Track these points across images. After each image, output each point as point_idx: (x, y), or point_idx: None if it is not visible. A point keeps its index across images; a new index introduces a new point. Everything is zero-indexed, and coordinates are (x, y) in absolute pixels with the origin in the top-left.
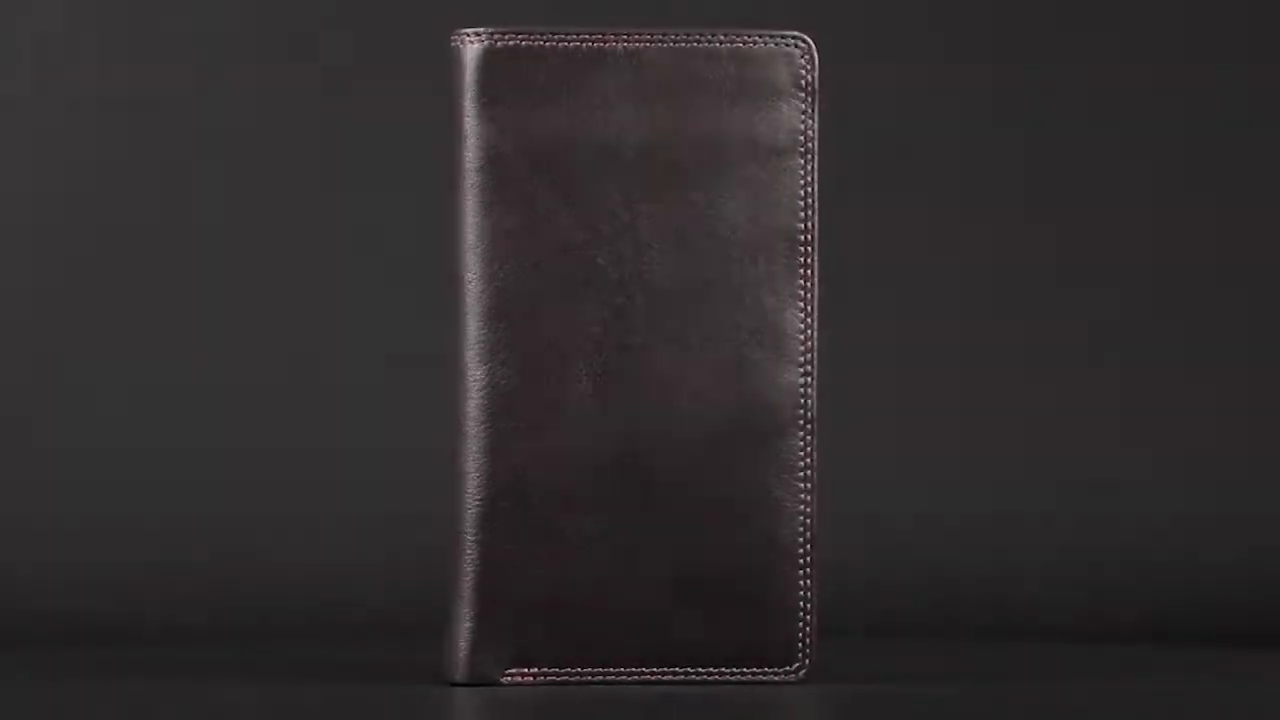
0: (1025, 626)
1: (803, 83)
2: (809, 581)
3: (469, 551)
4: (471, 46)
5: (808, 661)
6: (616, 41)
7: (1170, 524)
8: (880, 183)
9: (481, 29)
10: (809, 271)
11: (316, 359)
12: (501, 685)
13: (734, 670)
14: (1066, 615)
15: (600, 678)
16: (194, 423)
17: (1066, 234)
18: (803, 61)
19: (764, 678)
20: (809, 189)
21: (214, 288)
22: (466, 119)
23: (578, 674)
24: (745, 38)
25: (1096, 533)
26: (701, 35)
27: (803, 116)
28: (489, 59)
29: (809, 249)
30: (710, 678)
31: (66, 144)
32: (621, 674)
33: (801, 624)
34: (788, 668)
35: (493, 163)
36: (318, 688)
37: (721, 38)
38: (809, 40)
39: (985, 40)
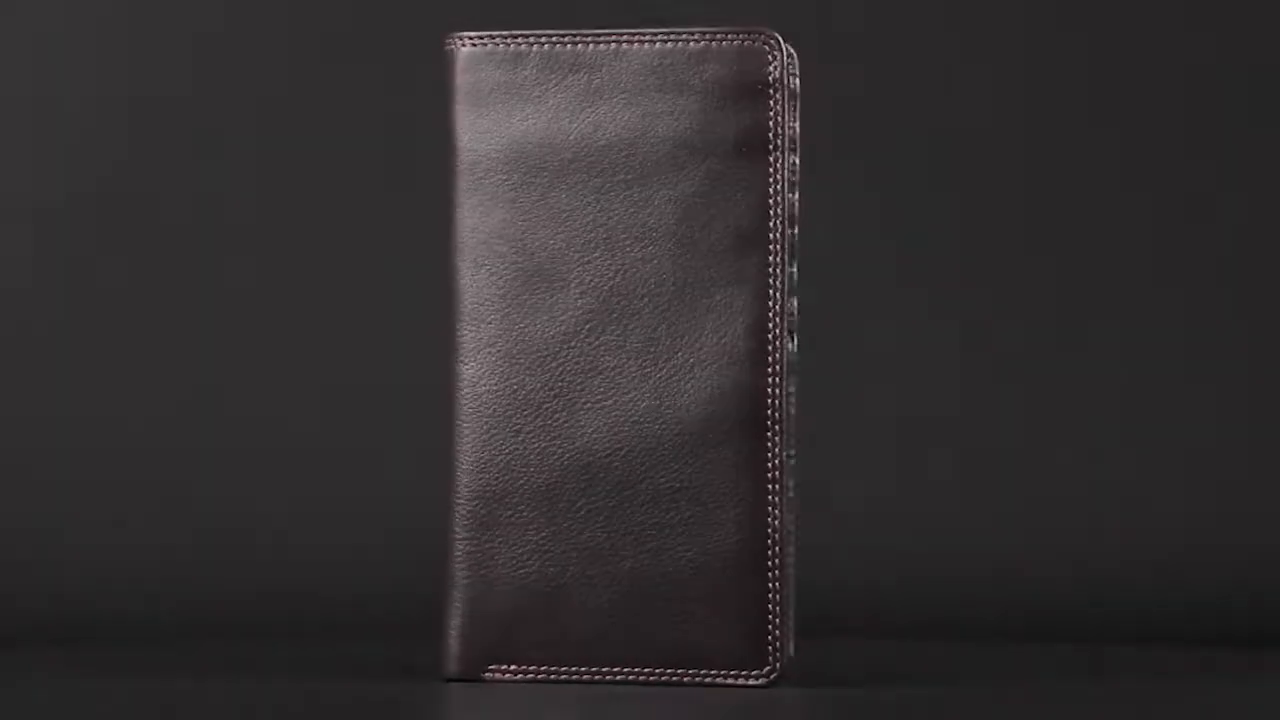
0: (1021, 627)
1: (771, 79)
2: (778, 584)
3: (455, 549)
4: (462, 50)
5: (778, 665)
6: (592, 43)
7: (1170, 524)
8: (874, 183)
9: (472, 33)
10: (778, 270)
11: (315, 358)
12: (485, 681)
13: (705, 672)
14: (1064, 616)
15: (579, 676)
16: (192, 422)
17: (1062, 232)
18: (771, 58)
19: (734, 680)
20: (779, 187)
21: (213, 287)
22: (454, 121)
23: (558, 672)
24: (714, 36)
25: (1095, 532)
26: (672, 35)
27: (772, 114)
28: (474, 62)
29: (778, 248)
30: (684, 679)
31: (64, 144)
32: (599, 673)
33: (771, 627)
34: (757, 671)
35: (476, 164)
36: (304, 684)
37: (691, 37)
38: (777, 37)
39: (983, 40)
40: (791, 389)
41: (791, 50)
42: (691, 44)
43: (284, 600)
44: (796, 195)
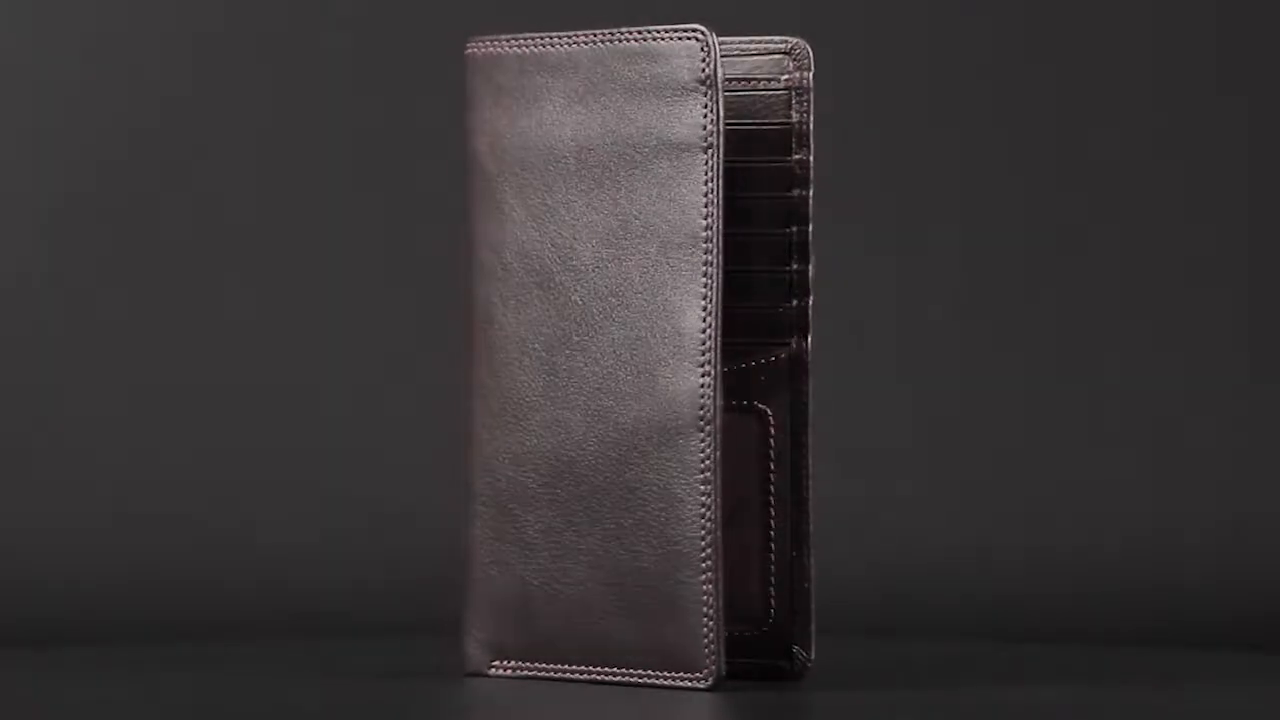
0: (1020, 628)
1: (703, 76)
2: (711, 587)
3: (463, 547)
4: (477, 54)
5: (714, 669)
6: (556, 45)
7: (1170, 525)
8: (879, 180)
9: (483, 38)
10: (711, 269)
11: (324, 358)
12: (489, 677)
13: (653, 674)
14: (1063, 617)
15: (561, 674)
16: (197, 423)
17: (1064, 233)
18: (701, 54)
19: (676, 683)
20: (711, 185)
21: (223, 287)
22: (466, 125)
23: (543, 668)
24: (653, 35)
25: (1095, 532)
26: (617, 35)
27: (705, 111)
28: (477, 66)
29: (711, 245)
30: (641, 680)
31: (69, 143)
32: (576, 671)
33: (706, 630)
34: (698, 674)
35: (476, 167)
36: (307, 682)
37: (634, 36)
38: (706, 32)
39: (984, 43)
40: (809, 388)
41: (807, 46)
42: (634, 43)
43: (285, 600)
44: (810, 192)
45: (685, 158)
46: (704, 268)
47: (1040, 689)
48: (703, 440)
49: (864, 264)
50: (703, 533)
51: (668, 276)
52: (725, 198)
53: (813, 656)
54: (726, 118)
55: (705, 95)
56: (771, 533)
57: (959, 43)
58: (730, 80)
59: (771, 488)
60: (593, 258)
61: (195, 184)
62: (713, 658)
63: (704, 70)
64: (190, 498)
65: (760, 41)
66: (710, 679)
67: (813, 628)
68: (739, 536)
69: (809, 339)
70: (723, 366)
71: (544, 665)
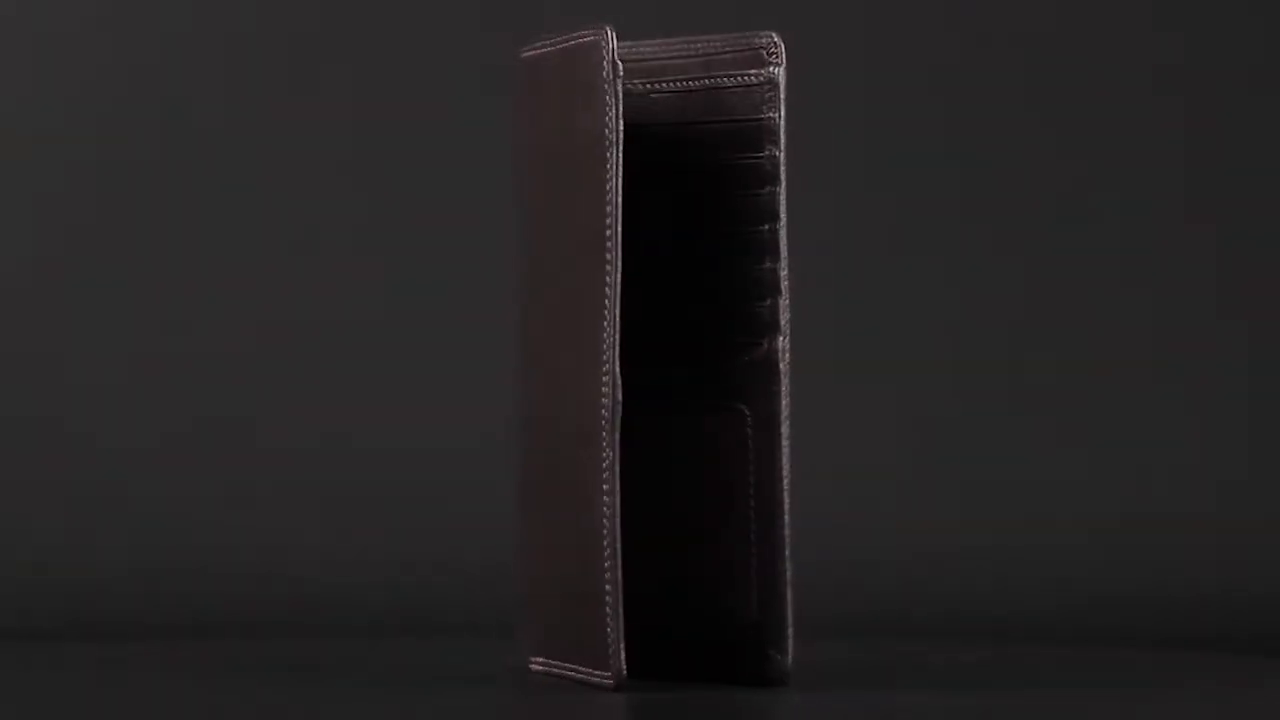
0: (1020, 628)
1: (603, 75)
2: (611, 586)
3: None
4: (522, 57)
5: (617, 667)
6: (548, 47)
7: (1169, 526)
8: (869, 180)
9: (531, 45)
10: (610, 268)
11: (357, 360)
12: (530, 672)
13: (585, 670)
14: (1056, 619)
15: (556, 670)
16: (224, 424)
17: (1062, 232)
18: (604, 52)
19: (594, 680)
20: (611, 182)
21: (263, 294)
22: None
23: (546, 664)
24: (577, 36)
25: (1095, 532)
26: (571, 37)
27: (606, 109)
28: (519, 73)
29: (611, 244)
30: (589, 678)
31: (85, 144)
32: (561, 668)
33: (608, 630)
34: (606, 674)
35: (512, 171)
36: (313, 683)
37: (573, 38)
38: (609, 32)
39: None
40: (785, 389)
41: (779, 41)
42: (571, 44)
43: (301, 601)
44: (781, 188)
45: (593, 155)
46: (606, 266)
47: (1035, 690)
48: (603, 440)
49: (850, 261)
50: (604, 531)
51: (585, 276)
52: (698, 196)
53: (790, 660)
54: (710, 116)
55: (606, 94)
56: (750, 535)
57: (943, 37)
58: (705, 77)
59: (750, 489)
60: (556, 259)
61: (231, 180)
62: (616, 657)
63: (604, 69)
64: (198, 498)
65: (732, 37)
66: (614, 678)
67: (790, 631)
68: (718, 539)
69: (782, 338)
70: (714, 366)
71: (552, 662)
